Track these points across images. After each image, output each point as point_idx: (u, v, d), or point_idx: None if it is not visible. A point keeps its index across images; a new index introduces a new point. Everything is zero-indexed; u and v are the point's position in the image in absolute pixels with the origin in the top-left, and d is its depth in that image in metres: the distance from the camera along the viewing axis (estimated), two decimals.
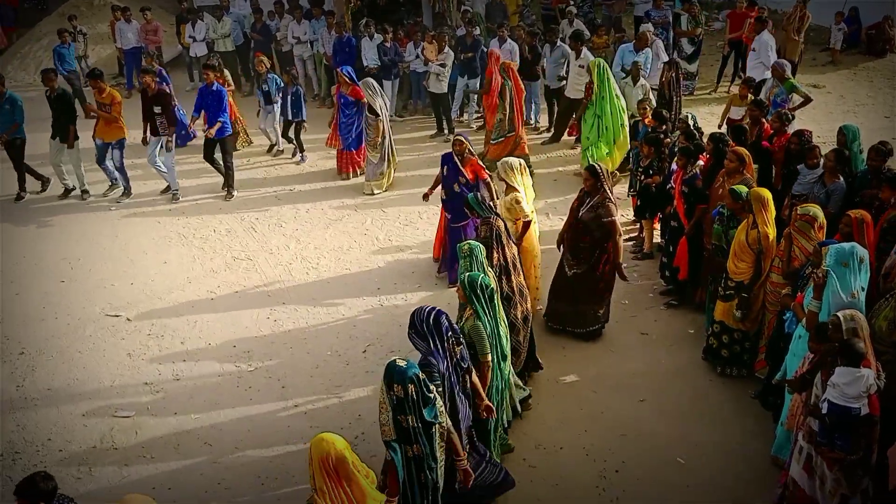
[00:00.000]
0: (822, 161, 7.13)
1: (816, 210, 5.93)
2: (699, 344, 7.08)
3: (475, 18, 13.67)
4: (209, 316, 8.08)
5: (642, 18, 14.21)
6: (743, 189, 6.48)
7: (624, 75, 10.94)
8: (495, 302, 5.54)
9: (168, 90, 11.03)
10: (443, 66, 12.37)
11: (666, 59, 11.83)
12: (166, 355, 7.50)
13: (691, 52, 13.40)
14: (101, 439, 6.43)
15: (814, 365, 4.88)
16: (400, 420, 4.35)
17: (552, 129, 12.34)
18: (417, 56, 13.16)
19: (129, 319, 8.13)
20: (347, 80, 10.61)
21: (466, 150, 8.11)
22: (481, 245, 5.83)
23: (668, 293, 7.97)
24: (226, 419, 6.61)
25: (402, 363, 4.34)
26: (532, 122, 12.93)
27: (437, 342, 4.78)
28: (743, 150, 7.18)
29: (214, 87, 10.57)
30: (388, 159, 10.67)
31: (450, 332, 4.85)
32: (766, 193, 6.28)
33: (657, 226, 8.73)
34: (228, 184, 10.93)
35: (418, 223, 9.86)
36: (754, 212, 6.19)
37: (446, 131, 12.66)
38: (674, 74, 10.46)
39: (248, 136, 12.70)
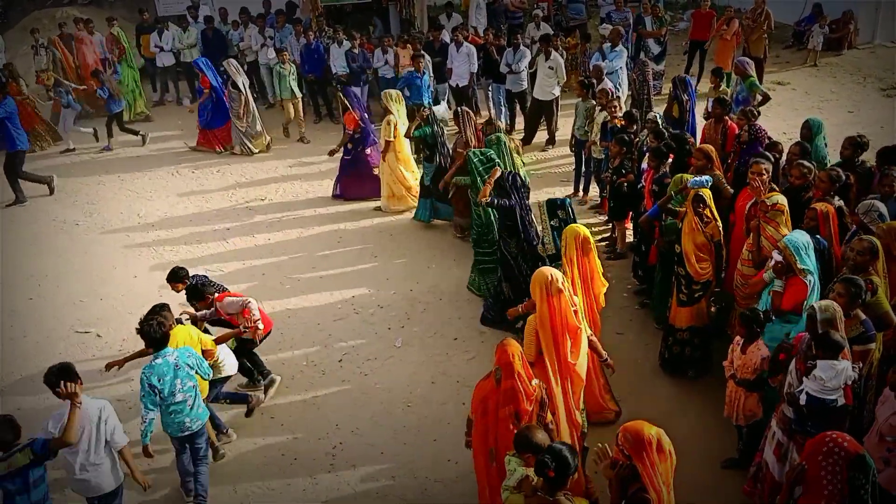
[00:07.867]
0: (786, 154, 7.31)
1: (783, 198, 6.03)
2: None
3: (439, 23, 13.67)
4: None
5: (604, 20, 14.37)
6: (688, 177, 6.55)
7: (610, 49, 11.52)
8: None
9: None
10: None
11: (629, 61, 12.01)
12: (139, 371, 7.35)
13: (658, 52, 13.54)
14: None
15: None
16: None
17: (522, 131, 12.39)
18: (385, 62, 13.14)
19: (99, 335, 8.01)
20: (197, 70, 12.57)
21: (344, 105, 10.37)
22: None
23: (641, 292, 8.02)
24: None
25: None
26: (503, 123, 12.97)
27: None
28: (710, 148, 7.27)
29: None
30: (259, 124, 12.62)
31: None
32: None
33: (629, 225, 8.78)
34: (17, 198, 11.26)
35: (394, 233, 9.85)
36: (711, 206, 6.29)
37: None
38: (641, 75, 10.56)
39: (49, 138, 13.39)
